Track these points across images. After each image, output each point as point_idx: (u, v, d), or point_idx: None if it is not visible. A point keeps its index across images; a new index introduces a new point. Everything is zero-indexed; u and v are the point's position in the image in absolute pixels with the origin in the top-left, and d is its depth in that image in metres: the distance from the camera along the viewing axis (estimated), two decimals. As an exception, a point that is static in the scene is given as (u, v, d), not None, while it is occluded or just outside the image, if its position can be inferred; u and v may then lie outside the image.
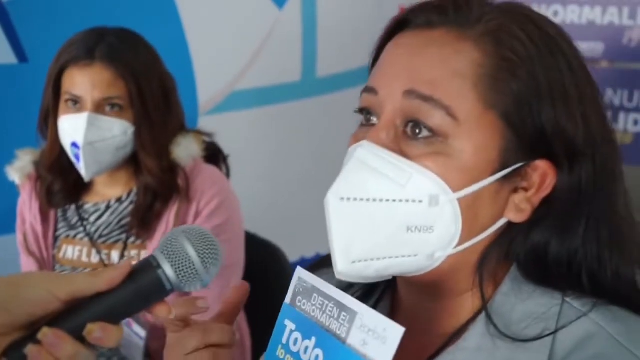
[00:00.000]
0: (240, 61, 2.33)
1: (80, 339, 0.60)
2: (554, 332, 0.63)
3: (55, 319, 0.60)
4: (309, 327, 0.63)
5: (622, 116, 2.53)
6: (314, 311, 0.63)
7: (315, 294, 0.63)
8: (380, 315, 0.57)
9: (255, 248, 1.57)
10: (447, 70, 0.63)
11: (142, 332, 1.40)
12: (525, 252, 0.67)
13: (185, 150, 1.43)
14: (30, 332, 0.60)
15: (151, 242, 1.41)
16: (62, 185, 1.45)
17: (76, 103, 1.36)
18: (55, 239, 1.48)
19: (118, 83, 1.35)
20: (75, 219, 1.47)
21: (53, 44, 1.87)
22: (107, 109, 1.36)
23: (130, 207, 1.44)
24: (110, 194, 1.47)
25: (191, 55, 2.18)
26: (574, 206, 0.65)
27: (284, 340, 0.65)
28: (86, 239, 1.45)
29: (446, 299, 0.69)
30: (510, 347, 0.64)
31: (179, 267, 0.61)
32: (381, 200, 0.63)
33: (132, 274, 0.62)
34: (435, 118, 0.62)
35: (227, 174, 1.58)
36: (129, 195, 1.46)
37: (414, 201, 0.63)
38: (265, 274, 1.61)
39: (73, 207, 1.47)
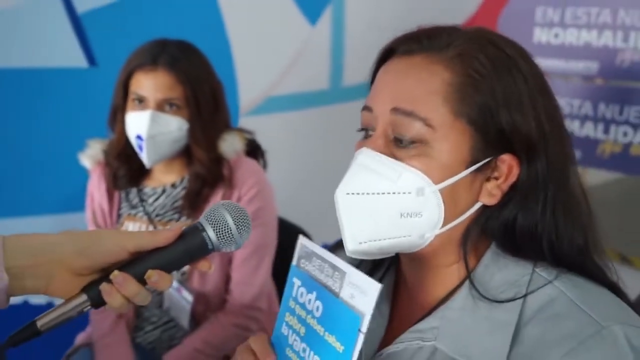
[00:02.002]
0: (276, 70, 2.38)
1: (142, 281, 0.68)
2: (524, 296, 0.70)
3: (123, 266, 0.68)
4: (310, 284, 0.69)
5: (613, 128, 2.53)
6: (314, 271, 0.69)
7: (314, 257, 0.70)
8: (363, 274, 0.64)
9: (287, 231, 1.62)
10: (423, 90, 0.70)
11: (189, 297, 1.49)
12: (498, 228, 0.73)
13: (230, 145, 1.49)
14: (103, 274, 0.68)
15: (199, 221, 1.49)
16: (126, 171, 1.52)
17: (141, 102, 1.43)
18: (119, 216, 1.55)
19: (177, 86, 1.42)
20: (136, 200, 1.54)
21: (119, 51, 1.98)
22: (167, 108, 1.42)
23: (183, 192, 1.51)
24: (166, 180, 1.53)
25: (234, 64, 2.25)
26: (534, 189, 0.72)
27: (293, 294, 0.72)
28: (145, 217, 1.52)
29: (437, 269, 0.76)
30: (488, 307, 0.70)
31: (219, 231, 0.69)
32: (378, 193, 0.70)
33: (182, 235, 0.70)
34: (416, 127, 0.70)
35: (264, 167, 1.63)
36: (181, 181, 1.53)
37: (404, 193, 0.70)
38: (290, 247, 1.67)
39: (134, 189, 1.54)
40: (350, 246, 0.72)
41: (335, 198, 0.72)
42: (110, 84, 1.97)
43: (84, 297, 0.67)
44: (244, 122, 2.17)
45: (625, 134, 2.49)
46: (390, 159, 0.71)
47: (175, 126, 1.43)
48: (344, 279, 0.65)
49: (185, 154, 1.50)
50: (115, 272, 0.67)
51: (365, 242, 0.72)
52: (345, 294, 0.65)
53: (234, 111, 1.99)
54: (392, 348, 0.76)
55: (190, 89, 1.43)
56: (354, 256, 0.74)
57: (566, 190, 0.73)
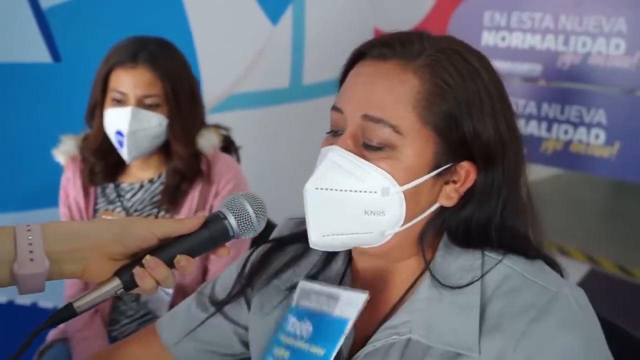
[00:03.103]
0: (239, 68, 2.42)
1: (170, 266, 0.71)
2: (481, 277, 0.76)
3: (154, 251, 0.71)
4: (305, 314, 0.75)
5: (555, 127, 2.69)
6: (311, 305, 0.75)
7: (312, 294, 0.75)
8: (352, 291, 0.70)
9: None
10: (393, 97, 0.73)
11: (169, 290, 1.51)
12: (456, 225, 0.78)
13: (208, 141, 1.52)
14: (135, 259, 0.71)
15: (178, 215, 1.51)
16: (103, 167, 1.52)
17: (121, 98, 1.44)
18: (95, 211, 1.55)
19: (157, 83, 1.44)
20: (113, 195, 1.55)
21: (83, 47, 1.98)
22: (147, 104, 1.44)
23: (160, 187, 1.53)
24: (143, 176, 1.55)
25: (198, 62, 2.27)
26: (488, 193, 0.77)
27: (285, 329, 0.78)
28: (123, 213, 1.53)
29: (395, 263, 0.80)
30: (452, 293, 0.75)
31: (240, 219, 0.73)
32: (346, 190, 0.73)
33: (205, 222, 0.74)
34: (385, 133, 0.73)
35: (238, 162, 1.67)
36: (159, 177, 1.54)
37: (370, 192, 0.73)
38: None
39: (111, 185, 1.55)
40: (313, 238, 0.76)
41: (304, 191, 0.74)
42: (74, 80, 1.97)
43: (117, 280, 0.70)
44: (208, 119, 2.18)
45: (566, 132, 2.66)
46: (359, 158, 0.74)
47: (156, 122, 1.46)
48: (338, 301, 0.72)
49: (162, 150, 1.53)
50: (148, 256, 0.70)
51: (328, 236, 0.75)
52: (337, 311, 0.72)
53: (201, 108, 2.01)
54: (368, 348, 0.78)
55: (170, 86, 1.45)
56: (316, 247, 0.77)
57: (516, 192, 0.79)
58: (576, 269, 3.03)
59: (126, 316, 1.58)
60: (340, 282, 0.86)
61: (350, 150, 0.74)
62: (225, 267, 1.53)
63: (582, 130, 2.61)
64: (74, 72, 1.98)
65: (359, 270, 0.85)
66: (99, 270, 0.70)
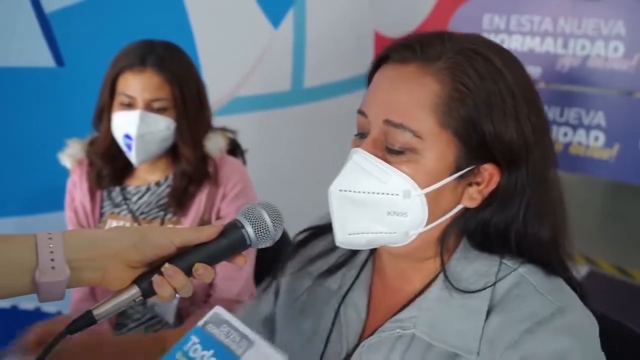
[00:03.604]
0: (240, 72, 2.42)
1: (188, 274, 0.71)
2: (493, 285, 0.77)
3: (172, 259, 0.72)
4: (210, 343, 0.68)
5: (554, 129, 2.71)
6: (219, 335, 0.69)
7: (224, 325, 0.69)
8: (271, 348, 0.66)
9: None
10: (412, 102, 0.74)
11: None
12: (474, 228, 0.79)
13: (215, 143, 1.53)
14: (153, 267, 0.71)
15: (185, 218, 1.51)
16: (110, 170, 1.53)
17: (129, 102, 1.45)
18: (101, 214, 1.56)
19: (165, 87, 1.44)
20: (119, 199, 1.55)
21: (87, 51, 1.98)
22: (155, 107, 1.45)
23: (167, 190, 1.53)
24: (150, 179, 1.55)
25: (201, 65, 2.28)
26: (512, 195, 0.77)
27: (185, 348, 0.68)
28: (129, 215, 1.53)
29: (416, 264, 0.82)
30: (462, 297, 0.77)
31: (257, 228, 0.74)
32: (369, 193, 0.76)
33: (223, 231, 0.74)
34: (406, 138, 0.74)
35: (244, 164, 1.68)
36: (166, 179, 1.55)
37: (392, 194, 0.75)
38: (271, 250, 1.73)
39: (117, 188, 1.55)
40: (339, 236, 0.79)
41: (328, 193, 0.77)
42: (77, 84, 1.98)
43: (135, 288, 0.70)
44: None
45: (565, 134, 2.69)
46: (382, 162, 0.75)
47: (164, 125, 1.46)
48: (251, 347, 0.67)
49: (169, 153, 1.53)
50: (167, 265, 0.70)
51: (353, 234, 0.78)
52: (247, 357, 0.66)
53: (204, 111, 2.02)
54: (373, 338, 0.81)
55: (177, 89, 1.46)
56: (342, 246, 0.80)
57: (542, 195, 0.78)
58: (574, 271, 3.05)
59: (133, 320, 1.59)
60: (361, 270, 0.89)
61: (373, 154, 0.76)
62: (233, 271, 1.55)
63: (581, 132, 2.63)
64: (77, 76, 1.98)
65: (382, 263, 0.87)
66: (117, 278, 0.70)
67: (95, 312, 0.69)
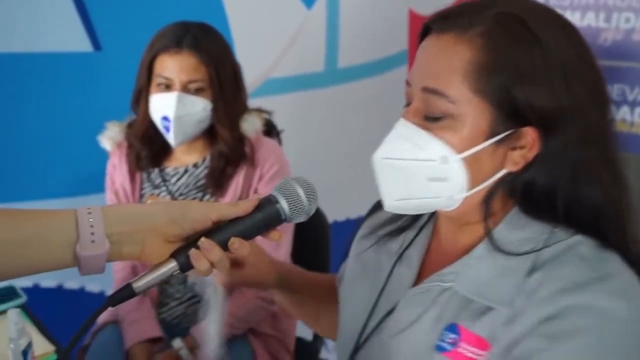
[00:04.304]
0: (274, 53, 2.42)
1: (224, 248, 0.72)
2: (539, 250, 0.77)
3: (208, 233, 0.73)
4: None
5: (596, 106, 2.65)
6: None
7: None
8: None
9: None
10: (447, 68, 0.77)
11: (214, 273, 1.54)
12: (520, 191, 0.78)
13: (251, 124, 1.54)
14: (190, 241, 0.72)
15: (223, 199, 1.53)
16: (149, 152, 1.55)
17: (166, 84, 1.46)
18: (141, 196, 1.59)
19: (201, 68, 1.46)
20: (158, 180, 1.58)
21: (124, 35, 2.01)
22: (191, 89, 1.46)
23: (205, 171, 1.55)
24: (188, 160, 1.58)
25: (235, 48, 2.29)
26: (552, 160, 0.77)
27: None
28: (168, 197, 1.56)
29: (464, 225, 0.85)
30: (505, 258, 0.78)
31: (291, 203, 0.74)
32: (408, 159, 0.79)
33: (258, 206, 0.75)
34: (441, 104, 0.77)
35: (280, 145, 1.70)
36: (203, 161, 1.57)
37: (431, 160, 0.78)
38: (309, 230, 1.73)
39: (156, 170, 1.58)
40: (387, 203, 0.83)
41: (372, 161, 0.81)
42: (115, 68, 2.00)
43: (173, 262, 0.72)
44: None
45: (607, 111, 2.63)
46: (420, 129, 0.78)
47: (201, 107, 1.48)
48: None
49: (207, 134, 1.55)
50: (203, 238, 0.71)
51: (399, 200, 0.82)
52: None
53: (239, 93, 2.03)
54: (416, 289, 0.86)
55: (214, 70, 1.47)
56: (390, 210, 0.84)
57: (590, 158, 0.77)
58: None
59: (174, 299, 1.62)
60: (420, 231, 0.93)
61: (414, 122, 0.79)
62: (271, 250, 1.57)
63: (625, 109, 2.56)
64: (115, 60, 2.01)
65: (439, 225, 0.92)
66: (156, 252, 0.71)
67: (135, 285, 0.71)
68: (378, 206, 1.00)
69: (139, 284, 0.72)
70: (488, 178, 0.79)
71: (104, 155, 1.68)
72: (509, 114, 0.76)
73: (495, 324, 0.76)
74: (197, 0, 2.18)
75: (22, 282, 1.83)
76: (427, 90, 0.78)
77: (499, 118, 0.76)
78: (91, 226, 0.67)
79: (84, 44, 2.01)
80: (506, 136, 0.77)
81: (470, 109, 0.76)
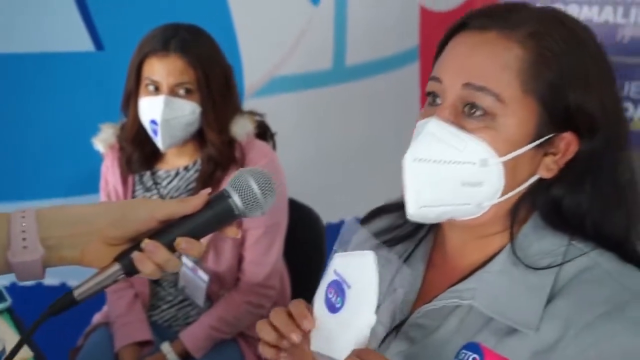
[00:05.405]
0: (280, 51, 2.39)
1: (172, 249, 0.69)
2: (561, 264, 0.74)
3: (154, 234, 0.70)
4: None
5: (613, 104, 2.58)
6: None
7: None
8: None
9: (296, 210, 1.68)
10: (496, 65, 0.73)
11: (205, 277, 1.54)
12: (547, 202, 0.76)
13: (242, 127, 1.53)
14: (134, 243, 0.70)
15: (213, 203, 1.53)
16: (140, 155, 1.55)
17: (154, 87, 1.46)
18: (133, 198, 1.59)
19: (189, 71, 1.45)
20: (150, 183, 1.58)
21: (126, 34, 2.01)
22: (180, 92, 1.45)
23: (195, 174, 1.55)
24: (179, 163, 1.57)
25: (239, 45, 2.28)
26: (588, 168, 0.75)
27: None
28: (159, 200, 1.58)
29: (480, 236, 0.80)
30: (525, 272, 0.75)
31: (245, 197, 0.70)
32: (444, 162, 0.73)
33: (209, 202, 0.71)
34: (487, 102, 0.73)
35: (274, 148, 1.67)
36: (194, 164, 1.57)
37: (468, 163, 0.73)
38: (304, 231, 1.73)
39: (148, 172, 1.58)
40: (411, 209, 0.76)
41: (403, 162, 0.75)
42: (117, 68, 2.00)
43: (117, 266, 0.69)
44: (250, 103, 2.20)
45: (626, 110, 2.55)
46: (458, 129, 0.74)
47: (189, 110, 1.47)
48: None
49: (197, 137, 1.54)
50: (146, 240, 0.69)
51: (426, 207, 0.76)
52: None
53: (240, 93, 2.02)
54: (430, 306, 0.80)
55: (202, 73, 1.46)
56: (413, 219, 0.78)
57: (616, 175, 0.77)
58: None
59: (165, 302, 1.63)
60: (419, 243, 0.88)
61: (448, 121, 0.74)
62: (261, 255, 1.56)
63: (643, 107, 2.49)
64: (117, 60, 2.02)
65: (442, 237, 0.86)
66: (98, 256, 0.69)
67: (76, 292, 0.69)
68: (373, 214, 0.96)
69: (80, 291, 0.69)
70: (521, 184, 0.76)
71: (101, 156, 1.69)
72: (556, 117, 0.74)
73: (523, 348, 0.72)
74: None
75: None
76: (471, 86, 0.73)
77: (546, 120, 0.74)
78: (23, 231, 0.66)
79: (86, 44, 2.02)
80: (545, 141, 0.75)
81: (519, 108, 0.73)
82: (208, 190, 0.72)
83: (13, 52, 1.94)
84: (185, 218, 0.71)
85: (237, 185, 0.71)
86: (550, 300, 0.72)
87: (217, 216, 0.71)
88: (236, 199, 0.70)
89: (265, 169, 0.73)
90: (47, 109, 2.00)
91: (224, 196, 0.71)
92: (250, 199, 0.70)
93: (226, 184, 0.73)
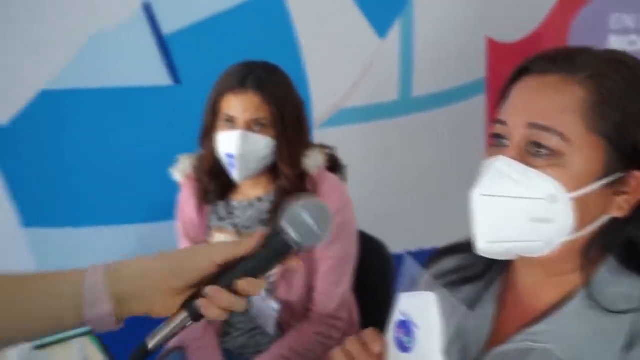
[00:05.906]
0: (347, 83, 2.45)
1: (234, 291, 0.72)
2: (639, 310, 0.73)
3: (214, 279, 0.73)
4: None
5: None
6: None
7: None
8: None
9: (365, 243, 1.70)
10: (559, 106, 0.75)
11: (275, 306, 1.58)
12: (620, 242, 0.77)
13: (314, 161, 1.57)
14: (197, 289, 0.73)
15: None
16: (216, 186, 1.62)
17: (231, 122, 1.53)
18: (208, 228, 1.66)
19: (264, 107, 1.51)
20: (224, 213, 1.64)
21: (201, 69, 2.12)
22: (255, 127, 1.52)
23: (268, 205, 1.60)
24: (253, 194, 1.63)
25: (308, 78, 2.35)
26: None
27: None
28: (233, 229, 1.62)
29: (553, 275, 0.80)
30: (600, 315, 0.74)
31: (300, 231, 0.72)
32: (511, 197, 0.75)
33: (266, 240, 0.74)
34: (553, 141, 0.74)
35: (344, 181, 1.70)
36: (267, 195, 1.62)
37: (536, 198, 0.74)
38: (372, 263, 1.74)
39: (223, 203, 1.65)
40: (480, 244, 0.78)
41: (471, 199, 0.77)
42: (193, 101, 2.10)
43: (184, 314, 0.73)
44: (317, 134, 2.24)
45: None
46: (524, 165, 0.75)
47: (263, 144, 1.53)
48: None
49: (271, 169, 1.59)
50: (208, 287, 0.72)
51: (494, 242, 0.77)
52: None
53: (309, 125, 2.08)
54: (503, 348, 0.80)
55: (276, 110, 1.51)
56: (482, 254, 0.79)
57: None
58: None
59: (237, 329, 1.67)
60: (491, 283, 0.88)
61: (515, 160, 0.76)
62: (332, 286, 1.59)
63: None
64: (193, 94, 2.12)
65: (515, 276, 0.86)
66: (165, 306, 0.73)
67: (150, 344, 0.73)
68: (440, 254, 0.96)
69: (154, 341, 0.73)
70: (592, 222, 0.76)
71: (177, 185, 1.77)
72: (624, 156, 0.75)
73: None
74: (272, 34, 2.27)
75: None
76: (535, 126, 0.75)
77: (613, 158, 0.75)
78: (94, 287, 0.71)
79: (164, 78, 2.13)
80: (614, 180, 0.75)
81: (585, 146, 0.74)
82: (262, 231, 0.75)
83: (97, 87, 2.07)
84: (244, 258, 0.73)
85: (291, 220, 0.73)
86: (627, 346, 0.72)
87: (276, 252, 0.74)
88: (292, 234, 0.72)
89: (316, 198, 0.76)
90: (127, 139, 2.12)
91: (280, 233, 0.73)
92: (306, 232, 0.72)
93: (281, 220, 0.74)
